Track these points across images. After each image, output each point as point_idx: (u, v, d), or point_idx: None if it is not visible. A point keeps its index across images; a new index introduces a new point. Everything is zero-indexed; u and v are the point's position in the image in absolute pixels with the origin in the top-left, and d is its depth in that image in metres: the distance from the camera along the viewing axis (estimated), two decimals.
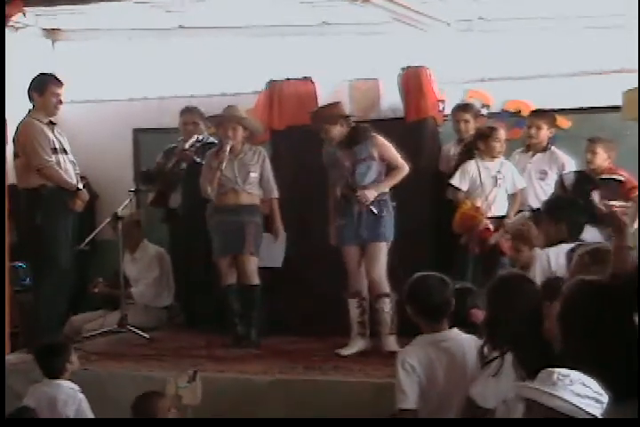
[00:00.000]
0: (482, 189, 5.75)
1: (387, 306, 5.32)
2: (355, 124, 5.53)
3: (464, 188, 5.81)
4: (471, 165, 5.82)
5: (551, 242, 4.59)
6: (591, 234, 4.90)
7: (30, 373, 4.73)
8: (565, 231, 4.52)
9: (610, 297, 2.98)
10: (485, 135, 5.80)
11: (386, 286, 5.35)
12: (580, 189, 4.86)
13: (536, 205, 5.74)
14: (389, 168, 5.50)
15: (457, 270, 5.42)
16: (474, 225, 5.65)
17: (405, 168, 5.49)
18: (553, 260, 4.37)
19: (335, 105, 5.59)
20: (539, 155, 6.02)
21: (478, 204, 5.71)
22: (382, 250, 5.41)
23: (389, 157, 5.48)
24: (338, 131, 5.47)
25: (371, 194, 5.36)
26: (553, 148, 6.04)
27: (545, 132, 5.98)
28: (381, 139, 5.48)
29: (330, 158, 5.57)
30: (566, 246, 4.37)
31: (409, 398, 3.51)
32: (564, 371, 2.63)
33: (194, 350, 5.73)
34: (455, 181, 5.82)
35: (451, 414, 3.49)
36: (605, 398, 2.59)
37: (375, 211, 5.36)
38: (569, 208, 4.61)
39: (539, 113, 6.12)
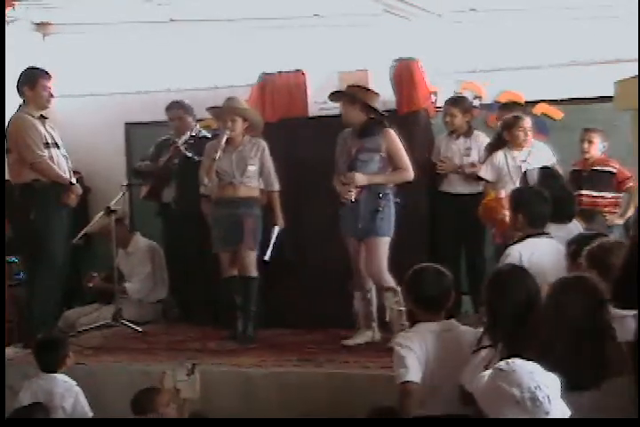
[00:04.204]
0: (510, 179, 5.72)
1: (389, 301, 5.22)
2: (373, 116, 5.40)
3: (490, 178, 5.84)
4: (498, 156, 5.83)
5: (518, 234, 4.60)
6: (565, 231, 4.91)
7: (25, 367, 4.74)
8: (526, 223, 4.50)
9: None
10: (509, 125, 5.81)
11: (387, 281, 5.23)
12: (545, 184, 4.84)
13: None
14: (394, 167, 5.40)
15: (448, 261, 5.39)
16: (494, 216, 5.55)
17: (409, 173, 5.39)
18: (525, 256, 4.30)
19: (364, 88, 5.43)
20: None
21: (502, 194, 5.66)
22: (379, 245, 5.30)
23: (395, 155, 5.36)
24: (356, 116, 5.36)
25: (360, 178, 5.27)
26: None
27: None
28: (393, 135, 5.37)
29: (341, 145, 5.48)
30: (535, 241, 4.39)
31: (410, 371, 3.46)
32: (504, 362, 2.49)
33: (188, 344, 5.75)
34: (482, 172, 5.88)
35: (437, 404, 3.47)
36: (540, 393, 2.35)
37: (352, 199, 5.26)
38: (528, 199, 4.60)
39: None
